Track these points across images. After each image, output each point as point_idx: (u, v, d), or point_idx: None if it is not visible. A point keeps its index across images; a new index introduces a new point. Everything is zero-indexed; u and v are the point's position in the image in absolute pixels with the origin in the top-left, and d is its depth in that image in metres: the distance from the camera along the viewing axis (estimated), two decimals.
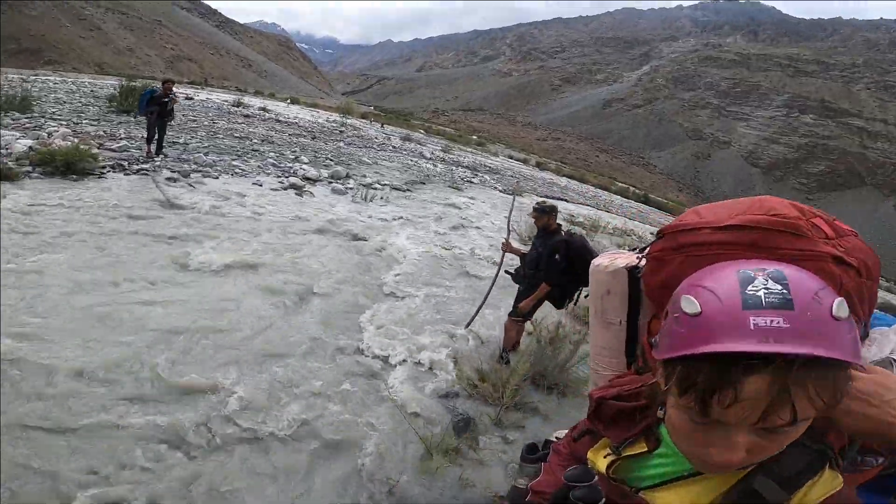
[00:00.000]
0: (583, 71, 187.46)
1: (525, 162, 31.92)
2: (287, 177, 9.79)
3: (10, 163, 6.57)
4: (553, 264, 3.73)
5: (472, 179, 16.24)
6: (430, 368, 3.99)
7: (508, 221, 5.21)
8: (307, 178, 10.13)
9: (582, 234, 5.05)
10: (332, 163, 12.76)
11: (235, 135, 13.63)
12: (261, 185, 8.76)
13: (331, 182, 10.42)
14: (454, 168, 18.15)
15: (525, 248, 4.45)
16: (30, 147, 7.45)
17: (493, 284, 4.31)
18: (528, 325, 4.25)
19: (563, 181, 26.09)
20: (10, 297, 3.65)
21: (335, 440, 2.96)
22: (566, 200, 18.49)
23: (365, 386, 3.60)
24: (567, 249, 3.67)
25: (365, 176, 12.01)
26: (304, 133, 18.01)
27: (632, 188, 54.02)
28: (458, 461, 2.91)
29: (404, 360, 4.02)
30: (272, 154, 11.87)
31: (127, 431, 2.65)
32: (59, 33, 68.77)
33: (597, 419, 0.85)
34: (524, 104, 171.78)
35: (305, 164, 11.64)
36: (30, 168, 6.71)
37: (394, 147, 20.81)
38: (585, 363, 4.09)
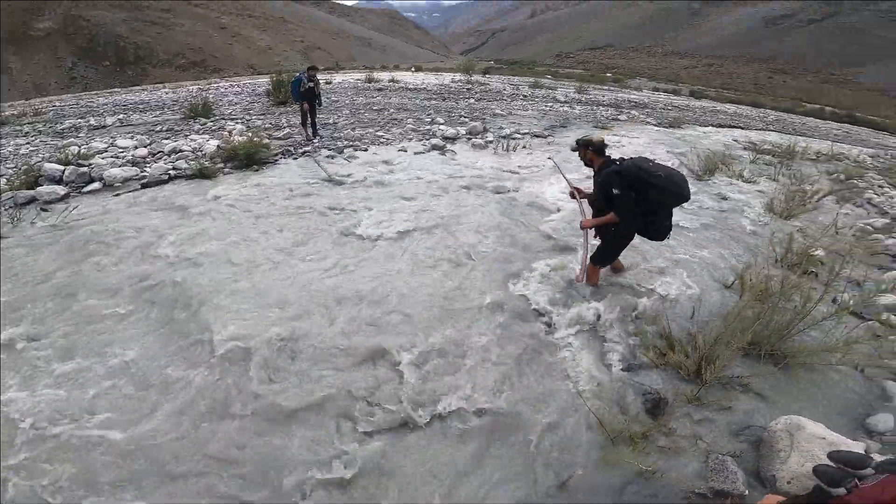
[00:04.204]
0: None
1: (675, 92, 27.72)
2: (428, 139, 9.79)
3: (207, 163, 7.58)
4: (615, 200, 3.33)
5: (619, 117, 14.51)
6: (605, 334, 3.44)
7: (559, 169, 4.72)
8: (446, 138, 10.00)
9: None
10: (466, 119, 12.48)
11: (374, 108, 14.16)
12: (405, 151, 8.88)
13: (470, 138, 10.15)
14: (594, 108, 16.47)
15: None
16: (217, 146, 8.60)
17: (586, 238, 3.72)
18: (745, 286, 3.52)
19: (730, 108, 21.87)
20: (213, 275, 4.11)
21: (502, 417, 2.69)
22: (739, 127, 15.41)
23: (534, 353, 3.24)
24: (621, 180, 3.29)
25: (502, 128, 11.48)
26: (433, 96, 18.04)
27: (828, 108, 44.80)
28: (647, 449, 2.44)
29: (575, 324, 3.54)
30: (410, 120, 12.02)
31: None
32: (212, 43, 78.92)
33: None
34: (659, 34, 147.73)
35: (442, 124, 11.55)
36: (222, 164, 7.68)
37: (524, 96, 19.76)
38: (818, 326, 3.23)
